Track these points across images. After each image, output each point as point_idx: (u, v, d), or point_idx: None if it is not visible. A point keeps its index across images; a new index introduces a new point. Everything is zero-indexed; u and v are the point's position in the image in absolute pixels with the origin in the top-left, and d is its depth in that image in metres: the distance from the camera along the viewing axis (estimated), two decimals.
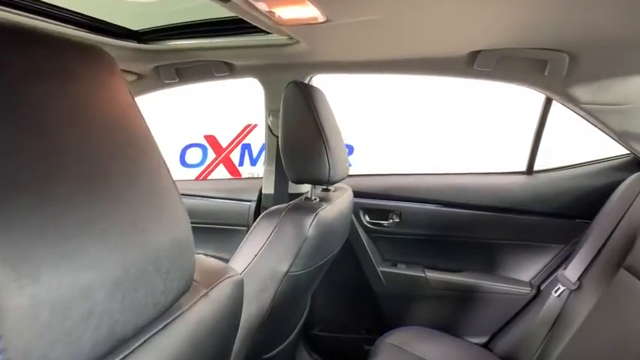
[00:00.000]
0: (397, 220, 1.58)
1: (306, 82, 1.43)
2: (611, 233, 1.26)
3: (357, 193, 1.55)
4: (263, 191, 1.57)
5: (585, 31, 0.94)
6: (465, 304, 1.52)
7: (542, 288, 1.48)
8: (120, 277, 0.34)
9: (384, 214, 1.60)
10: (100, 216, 0.33)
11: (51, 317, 0.28)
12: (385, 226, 1.60)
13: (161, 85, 1.41)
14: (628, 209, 1.24)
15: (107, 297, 0.32)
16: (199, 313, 0.47)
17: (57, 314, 0.28)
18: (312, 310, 1.57)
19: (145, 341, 0.39)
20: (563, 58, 1.12)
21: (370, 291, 1.58)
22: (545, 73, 1.18)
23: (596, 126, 1.33)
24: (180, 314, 0.44)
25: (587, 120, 1.33)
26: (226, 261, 1.03)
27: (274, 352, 1.11)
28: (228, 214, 1.65)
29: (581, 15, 0.84)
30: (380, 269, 1.58)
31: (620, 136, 1.32)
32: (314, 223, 0.95)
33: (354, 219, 1.57)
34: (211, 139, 3.62)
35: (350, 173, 1.70)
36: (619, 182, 1.35)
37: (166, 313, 0.42)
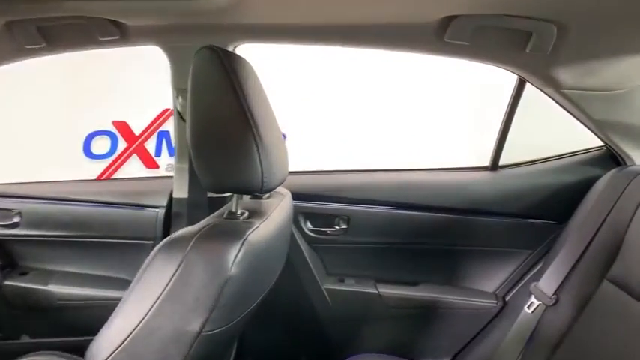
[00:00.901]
0: (344, 227, 1.32)
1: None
2: (591, 240, 1.09)
3: (295, 195, 1.27)
4: (174, 195, 1.23)
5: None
6: (425, 323, 1.31)
7: (507, 299, 1.31)
8: None
9: (328, 219, 1.33)
10: None
11: None
12: (330, 234, 1.33)
13: (21, 52, 1.00)
14: (609, 212, 1.07)
15: None
16: None
17: None
18: (242, 342, 1.27)
19: None
20: (550, 29, 0.91)
21: (313, 313, 1.31)
22: (528, 50, 0.96)
23: (573, 114, 1.15)
24: None
25: (564, 108, 1.14)
26: (128, 283, 0.70)
27: None
28: (131, 224, 1.28)
29: None
30: (324, 287, 1.31)
31: (600, 127, 1.15)
32: (240, 253, 0.65)
33: (293, 227, 1.28)
34: (122, 126, 3.13)
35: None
36: (592, 179, 1.18)
37: None
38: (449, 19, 0.91)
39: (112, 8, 0.87)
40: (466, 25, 0.91)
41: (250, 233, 0.70)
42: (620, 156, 1.20)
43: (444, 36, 0.95)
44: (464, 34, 0.94)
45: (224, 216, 0.79)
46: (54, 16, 0.89)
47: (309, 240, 1.33)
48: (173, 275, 0.62)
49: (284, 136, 3.21)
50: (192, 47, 0.77)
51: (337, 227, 1.33)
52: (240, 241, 0.66)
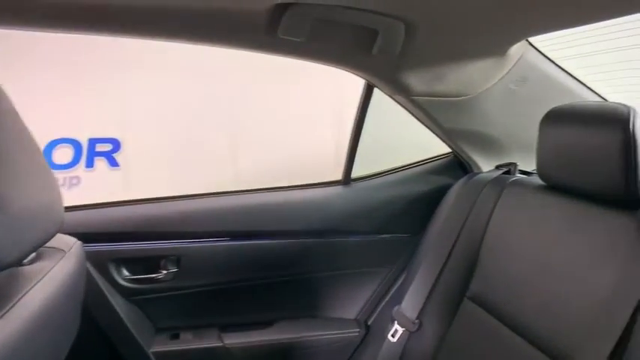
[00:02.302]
0: (174, 269, 1.04)
1: None
2: (449, 255, 1.02)
3: (99, 237, 0.95)
4: None
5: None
6: None
7: (370, 323, 1.19)
8: None
9: (152, 262, 1.04)
10: None
11: None
12: (156, 281, 1.04)
13: None
14: (463, 226, 1.01)
15: None
16: None
17: None
18: None
19: None
20: (398, 28, 0.78)
21: None
22: (374, 51, 0.82)
23: (423, 122, 1.06)
24: None
25: (414, 115, 1.04)
26: None
27: None
28: None
29: None
30: (152, 350, 1.02)
31: (449, 134, 1.08)
32: None
33: (98, 279, 0.96)
34: None
35: (76, 203, 1.05)
36: (442, 187, 1.13)
37: None
38: (282, 9, 0.71)
39: None
40: (302, 17, 0.73)
41: None
42: (467, 163, 1.16)
43: (277, 30, 0.74)
44: (300, 28, 0.75)
45: None
46: None
47: (126, 293, 1.02)
48: None
49: (118, 142, 2.74)
50: None
51: (165, 271, 1.04)
52: None
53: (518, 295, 0.83)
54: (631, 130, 0.69)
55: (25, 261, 0.63)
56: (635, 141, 0.68)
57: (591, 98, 1.07)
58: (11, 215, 0.46)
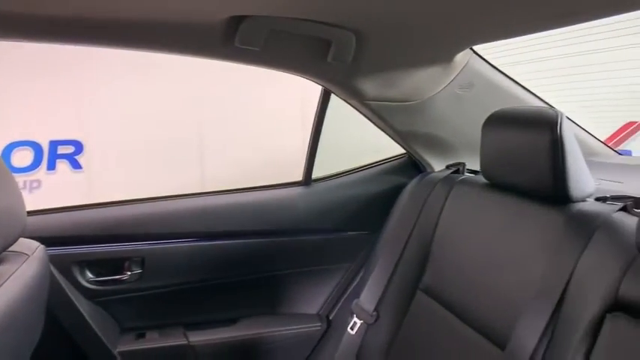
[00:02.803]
0: (139, 271, 1.07)
1: None
2: (403, 250, 1.08)
3: (65, 238, 0.96)
4: None
5: (375, 10, 0.71)
6: None
7: (331, 318, 1.25)
8: None
9: (116, 264, 1.06)
10: None
11: None
12: (121, 282, 1.06)
13: None
14: (416, 222, 1.08)
15: None
16: None
17: None
18: None
19: None
20: (349, 38, 0.83)
21: None
22: (329, 59, 0.86)
23: (378, 125, 1.12)
24: None
25: (369, 119, 1.10)
26: None
27: None
28: None
29: None
30: (118, 350, 1.04)
31: (402, 136, 1.15)
32: None
33: (61, 281, 0.97)
34: None
35: (49, 207, 1.07)
36: (398, 186, 1.19)
37: None
38: (237, 20, 0.75)
39: None
40: (258, 28, 0.77)
41: None
42: (421, 163, 1.23)
43: (234, 41, 0.78)
44: (256, 38, 0.79)
45: None
46: None
47: (90, 295, 1.03)
48: None
49: (80, 144, 2.71)
50: None
51: (129, 272, 1.07)
52: None
53: (464, 286, 0.90)
54: (558, 132, 0.76)
55: None
56: (562, 142, 0.76)
57: (533, 102, 1.16)
58: None
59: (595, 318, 0.62)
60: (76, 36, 0.77)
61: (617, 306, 0.62)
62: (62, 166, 2.72)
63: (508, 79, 1.11)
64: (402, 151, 1.26)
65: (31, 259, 0.72)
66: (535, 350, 0.71)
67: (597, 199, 0.80)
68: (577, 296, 0.68)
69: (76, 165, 2.72)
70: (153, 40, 0.81)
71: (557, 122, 0.77)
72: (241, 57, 0.86)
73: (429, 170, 1.22)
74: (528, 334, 0.75)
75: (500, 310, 0.81)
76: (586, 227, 0.72)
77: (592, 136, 1.25)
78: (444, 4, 0.71)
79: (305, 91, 1.36)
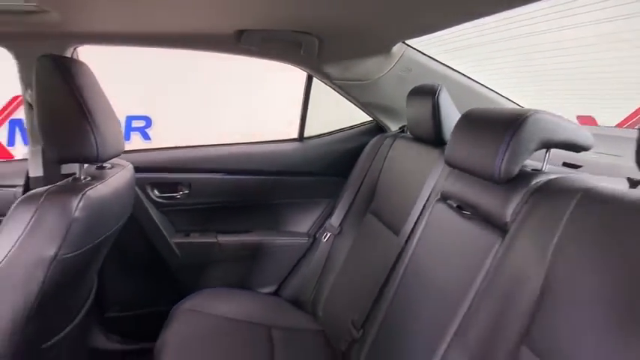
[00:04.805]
0: (187, 192, 1.63)
1: (69, 53, 1.32)
2: (360, 186, 1.57)
3: (143, 168, 1.52)
4: (30, 174, 1.40)
5: (328, 18, 1.13)
6: (255, 260, 1.70)
7: (316, 236, 1.75)
8: None
9: (172, 187, 1.62)
10: None
11: None
12: (176, 199, 1.63)
13: None
14: (370, 166, 1.56)
15: None
16: None
17: None
18: (105, 292, 1.52)
19: None
20: (313, 40, 1.32)
21: (164, 264, 1.61)
22: (302, 53, 1.36)
23: (348, 99, 1.60)
24: None
25: (340, 94, 1.59)
26: None
27: (55, 339, 1.05)
28: None
29: (324, 3, 0.99)
30: (173, 241, 1.61)
31: (366, 107, 1.63)
32: (82, 203, 0.92)
33: (141, 195, 1.55)
34: None
35: (135, 148, 1.66)
36: (366, 144, 1.66)
37: None
38: (241, 32, 1.26)
39: None
40: (253, 36, 1.28)
41: (89, 190, 0.97)
42: (383, 127, 1.70)
43: (239, 42, 1.30)
44: (254, 42, 1.30)
45: (71, 180, 1.04)
46: None
47: (157, 205, 1.61)
48: (31, 219, 0.87)
49: (149, 119, 3.39)
50: (37, 50, 1.00)
51: (181, 193, 1.63)
52: (80, 195, 0.93)
53: (391, 207, 1.36)
54: (436, 99, 1.21)
55: (108, 166, 1.22)
56: (438, 105, 1.21)
57: (458, 79, 1.55)
58: (104, 138, 1.03)
59: None
60: (143, 42, 1.33)
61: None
62: (135, 137, 3.40)
63: (439, 64, 1.54)
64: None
65: (127, 169, 1.29)
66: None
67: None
68: None
69: (146, 137, 3.39)
70: (187, 43, 1.36)
71: (436, 92, 1.22)
72: (245, 52, 1.37)
73: (388, 132, 1.68)
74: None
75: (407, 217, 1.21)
76: None
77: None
78: (374, 13, 1.06)
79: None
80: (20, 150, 3.27)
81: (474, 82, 1.53)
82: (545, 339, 0.66)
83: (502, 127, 0.82)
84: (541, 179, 0.80)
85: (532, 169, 0.88)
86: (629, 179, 0.70)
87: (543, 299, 0.68)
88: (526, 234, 0.75)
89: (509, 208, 0.81)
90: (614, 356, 0.55)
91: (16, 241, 0.87)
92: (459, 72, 1.55)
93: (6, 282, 0.88)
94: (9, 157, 3.11)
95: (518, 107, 1.55)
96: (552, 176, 0.79)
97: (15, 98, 3.09)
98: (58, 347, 1.09)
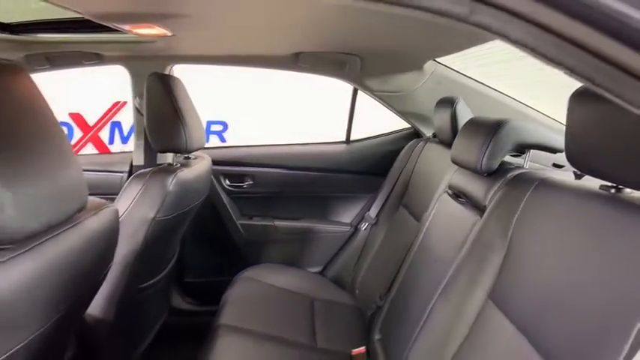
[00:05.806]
0: (252, 182, 1.98)
1: (167, 70, 1.72)
2: (395, 183, 1.82)
3: (218, 162, 1.89)
4: (134, 163, 1.83)
5: (369, 42, 1.42)
6: (305, 244, 2.00)
7: (358, 226, 2.01)
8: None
9: (240, 178, 1.98)
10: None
11: None
12: (242, 188, 1.98)
13: (30, 71, 1.57)
14: (404, 166, 1.81)
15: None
16: (89, 226, 0.79)
17: None
18: (183, 260, 1.90)
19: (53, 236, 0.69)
20: (356, 60, 1.61)
21: (231, 240, 1.96)
22: (347, 70, 1.65)
23: (388, 108, 1.87)
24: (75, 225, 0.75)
25: (380, 103, 1.86)
26: None
27: (148, 283, 1.42)
28: (101, 184, 1.86)
29: (365, 31, 1.27)
30: (239, 222, 1.96)
31: (403, 115, 1.88)
32: (174, 181, 1.28)
33: (215, 183, 1.92)
34: (77, 117, 3.56)
35: (213, 145, 2.05)
36: (404, 147, 1.91)
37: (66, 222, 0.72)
38: (297, 54, 1.59)
39: (96, 47, 1.48)
40: (308, 57, 1.60)
41: (179, 172, 1.33)
42: (419, 132, 1.93)
43: (297, 61, 1.62)
44: (309, 61, 1.62)
45: (166, 165, 1.42)
46: (57, 51, 1.48)
47: (228, 192, 1.98)
48: (140, 189, 1.24)
49: (226, 124, 3.88)
50: (146, 67, 1.39)
51: (247, 183, 1.99)
52: (173, 175, 1.29)
53: (418, 200, 1.60)
54: (454, 109, 1.44)
55: (193, 157, 1.58)
56: (455, 114, 1.44)
57: (485, 92, 1.75)
58: (191, 135, 1.39)
59: None
60: (222, 62, 1.70)
61: None
62: (213, 139, 3.86)
63: (467, 78, 1.75)
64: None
65: (206, 160, 1.64)
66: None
67: None
68: None
69: (222, 139, 3.84)
70: (255, 62, 1.71)
71: (454, 104, 1.45)
72: (302, 69, 1.69)
73: (423, 137, 1.91)
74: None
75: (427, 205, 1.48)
76: None
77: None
78: (407, 37, 1.31)
79: None
80: (118, 147, 3.81)
81: (498, 93, 1.72)
82: (504, 293, 0.89)
83: (485, 131, 1.05)
84: (514, 173, 1.02)
85: (515, 166, 1.09)
86: (574, 172, 0.90)
87: (504, 264, 0.91)
88: (495, 214, 0.98)
89: (489, 194, 1.04)
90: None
91: (129, 205, 1.24)
92: (485, 84, 1.75)
93: (121, 234, 1.26)
94: (108, 153, 3.68)
95: (540, 114, 1.71)
96: (522, 171, 1.01)
97: (115, 104, 3.65)
98: (150, 289, 1.46)
